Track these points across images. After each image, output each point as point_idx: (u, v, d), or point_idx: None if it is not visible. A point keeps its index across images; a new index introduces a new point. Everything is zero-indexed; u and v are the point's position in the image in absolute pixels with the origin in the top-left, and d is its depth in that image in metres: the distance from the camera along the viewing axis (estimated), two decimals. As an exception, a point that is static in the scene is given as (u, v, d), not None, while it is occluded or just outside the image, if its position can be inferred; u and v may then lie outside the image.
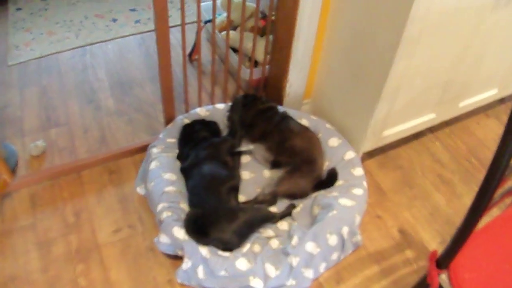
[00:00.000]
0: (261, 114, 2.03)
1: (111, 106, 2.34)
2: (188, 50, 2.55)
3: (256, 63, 2.35)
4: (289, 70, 2.09)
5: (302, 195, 1.88)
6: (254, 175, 1.98)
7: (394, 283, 1.74)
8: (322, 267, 1.68)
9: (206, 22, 2.59)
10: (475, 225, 1.07)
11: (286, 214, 1.82)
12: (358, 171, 1.90)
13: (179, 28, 1.89)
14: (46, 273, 1.68)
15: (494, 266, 1.24)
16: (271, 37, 2.14)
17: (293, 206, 1.85)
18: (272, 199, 1.86)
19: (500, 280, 1.21)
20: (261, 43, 2.26)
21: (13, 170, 1.98)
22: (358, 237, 1.76)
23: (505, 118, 2.49)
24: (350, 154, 1.95)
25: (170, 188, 1.75)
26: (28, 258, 1.72)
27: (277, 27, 2.06)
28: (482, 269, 1.22)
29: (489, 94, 2.32)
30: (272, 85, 2.27)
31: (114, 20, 2.86)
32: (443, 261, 1.20)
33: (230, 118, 2.05)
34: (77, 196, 1.92)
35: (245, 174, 1.97)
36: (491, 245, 1.29)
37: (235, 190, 1.85)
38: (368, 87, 1.85)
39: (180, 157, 1.92)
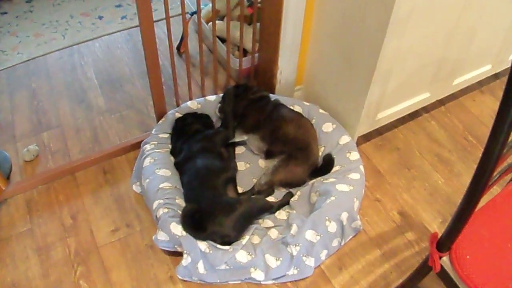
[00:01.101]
0: (253, 104, 2.00)
1: (102, 104, 2.31)
2: (176, 43, 2.52)
3: (245, 52, 2.32)
4: (279, 57, 2.06)
5: (298, 183, 1.87)
6: (250, 165, 1.97)
7: (396, 266, 1.73)
8: (324, 254, 1.67)
9: (192, 13, 2.55)
10: (475, 206, 1.05)
11: (284, 203, 1.81)
12: (354, 155, 1.89)
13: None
14: (47, 278, 1.67)
15: (496, 246, 1.22)
16: (258, 24, 2.11)
17: (290, 195, 1.84)
18: (269, 189, 1.85)
19: (502, 259, 1.20)
20: (249, 31, 2.22)
21: (7, 177, 1.96)
22: (358, 222, 1.75)
23: (500, 94, 2.43)
24: (345, 139, 1.94)
25: (165, 184, 1.74)
26: (28, 264, 1.71)
27: (264, 13, 2.03)
28: (484, 249, 1.21)
29: (483, 70, 2.30)
30: (262, 73, 2.25)
31: (100, 18, 2.83)
32: (444, 244, 1.19)
33: (222, 110, 2.02)
34: (73, 198, 1.91)
35: (240, 165, 1.96)
36: (492, 225, 1.27)
37: (231, 181, 1.84)
38: (360, 70, 1.82)
39: (173, 152, 1.90)
